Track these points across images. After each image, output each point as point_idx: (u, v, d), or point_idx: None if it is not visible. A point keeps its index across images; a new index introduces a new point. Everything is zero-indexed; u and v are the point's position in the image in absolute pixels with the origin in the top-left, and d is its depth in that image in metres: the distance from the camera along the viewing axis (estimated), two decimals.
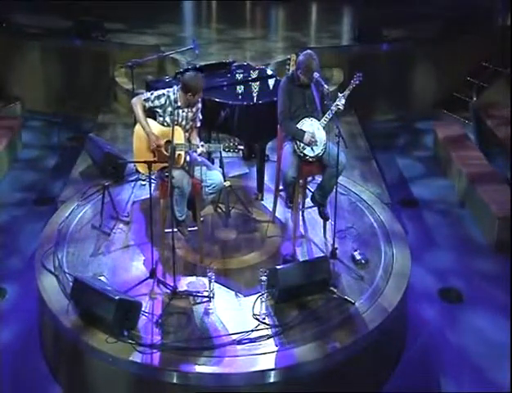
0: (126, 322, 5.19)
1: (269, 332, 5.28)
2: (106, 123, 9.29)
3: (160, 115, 5.99)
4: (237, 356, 5.05)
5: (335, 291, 5.66)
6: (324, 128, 6.08)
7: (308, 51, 6.22)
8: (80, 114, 10.13)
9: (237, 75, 7.34)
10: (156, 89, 6.77)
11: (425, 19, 11.31)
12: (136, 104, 5.96)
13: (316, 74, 6.02)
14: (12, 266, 6.84)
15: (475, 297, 6.57)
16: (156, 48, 9.67)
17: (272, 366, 5.01)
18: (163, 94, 5.95)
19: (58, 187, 7.93)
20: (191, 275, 5.94)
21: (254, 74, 7.39)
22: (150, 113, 6.00)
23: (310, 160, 6.15)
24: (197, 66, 7.78)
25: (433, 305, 6.44)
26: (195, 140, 6.05)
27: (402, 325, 6.04)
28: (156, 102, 5.94)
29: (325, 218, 6.39)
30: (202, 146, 5.92)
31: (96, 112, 9.71)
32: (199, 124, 6.16)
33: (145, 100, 5.95)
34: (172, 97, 5.94)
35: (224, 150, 5.85)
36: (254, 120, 6.73)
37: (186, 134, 6.01)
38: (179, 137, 5.86)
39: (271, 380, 5.02)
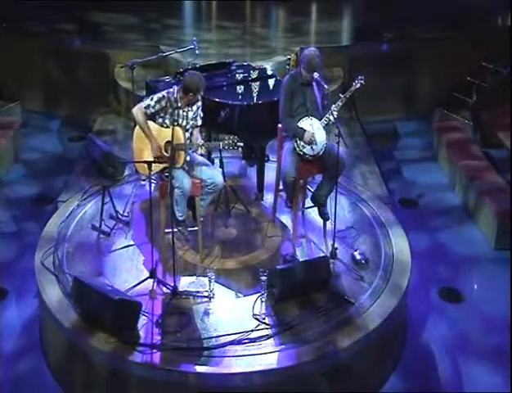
0: (126, 322, 5.20)
1: (269, 331, 5.28)
2: (106, 123, 9.29)
3: (161, 117, 5.99)
4: (237, 356, 5.05)
5: (335, 291, 5.66)
6: (324, 128, 6.09)
7: (312, 47, 6.24)
8: (80, 114, 10.12)
9: (237, 75, 7.35)
10: (156, 89, 6.80)
11: (425, 19, 11.29)
12: (138, 113, 5.94)
13: (316, 75, 6.03)
14: (12, 266, 6.83)
15: (475, 297, 6.57)
16: (156, 48, 9.66)
17: (272, 366, 5.01)
18: (164, 96, 5.95)
19: (58, 187, 7.93)
20: (191, 275, 5.95)
21: (254, 74, 7.39)
22: (151, 115, 6.00)
23: (309, 159, 6.16)
24: (197, 66, 7.79)
25: (433, 305, 6.44)
26: (197, 139, 6.05)
27: (402, 325, 6.04)
28: (157, 107, 5.93)
29: (325, 218, 6.39)
30: (202, 145, 5.93)
31: (96, 112, 9.71)
32: (200, 123, 6.17)
33: (145, 107, 5.93)
34: (172, 99, 5.93)
35: (224, 147, 5.85)
36: (254, 120, 6.73)
37: (187, 134, 6.01)
38: (179, 137, 5.86)
39: (271, 380, 5.02)
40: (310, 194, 6.58)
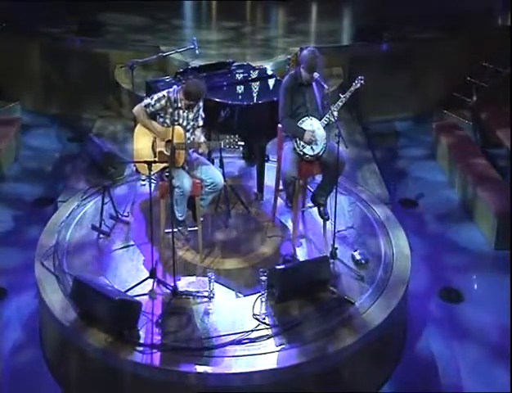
0: (126, 322, 5.20)
1: (269, 332, 5.28)
2: (106, 123, 9.28)
3: (161, 116, 6.00)
4: (237, 356, 5.05)
5: (335, 291, 5.67)
6: (324, 127, 6.09)
7: (312, 47, 6.24)
8: (80, 114, 10.13)
9: (237, 75, 7.35)
10: (156, 89, 6.81)
11: (425, 19, 11.30)
12: (139, 111, 5.97)
13: (316, 75, 6.03)
14: (12, 266, 6.83)
15: (475, 297, 6.57)
16: (156, 48, 9.67)
17: (272, 366, 5.01)
18: (164, 96, 5.96)
19: (58, 187, 7.93)
20: (191, 275, 5.95)
21: (254, 74, 7.39)
22: (152, 114, 6.01)
23: (309, 159, 6.16)
24: (197, 66, 7.79)
25: (434, 305, 6.44)
26: (200, 139, 6.05)
27: (402, 325, 6.04)
28: (157, 106, 5.95)
29: (325, 218, 6.39)
30: (203, 142, 5.93)
31: (97, 112, 9.71)
32: (201, 123, 6.17)
33: (146, 106, 5.95)
34: (172, 98, 5.94)
35: (225, 146, 5.86)
36: (254, 120, 6.73)
37: (188, 134, 6.02)
38: (180, 136, 5.87)
39: (271, 380, 5.02)
40: (310, 194, 6.58)
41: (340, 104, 6.05)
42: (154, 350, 5.07)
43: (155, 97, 5.99)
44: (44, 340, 5.88)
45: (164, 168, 5.91)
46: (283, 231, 6.58)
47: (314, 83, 6.15)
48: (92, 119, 9.60)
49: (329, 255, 6.01)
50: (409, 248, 6.30)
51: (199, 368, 4.96)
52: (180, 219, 6.13)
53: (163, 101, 5.95)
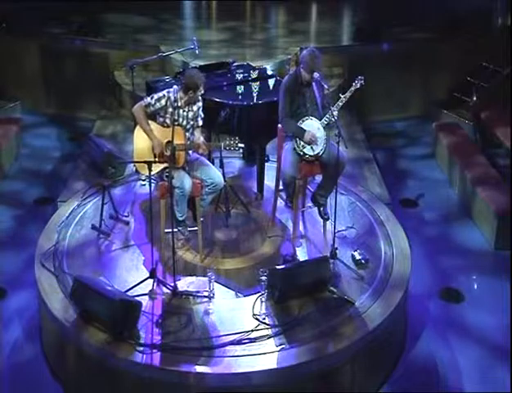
0: (126, 322, 5.20)
1: (269, 332, 5.28)
2: (106, 123, 9.28)
3: (161, 116, 6.01)
4: (237, 356, 5.05)
5: (335, 291, 5.67)
6: (324, 127, 6.09)
7: (312, 48, 6.24)
8: (80, 114, 10.13)
9: (237, 75, 7.35)
10: (156, 89, 6.82)
11: (425, 19, 11.30)
12: (138, 111, 5.98)
13: (316, 75, 6.03)
14: (12, 266, 6.83)
15: (475, 297, 6.57)
16: (156, 48, 9.67)
17: (272, 366, 5.01)
18: (164, 96, 5.96)
19: (58, 187, 7.93)
20: (191, 275, 5.95)
21: (254, 74, 7.39)
22: (152, 115, 6.01)
23: (309, 159, 6.16)
24: (197, 66, 7.79)
25: (434, 305, 6.44)
26: (199, 139, 6.06)
27: (402, 325, 6.04)
28: (157, 105, 5.95)
29: (325, 218, 6.39)
30: (204, 144, 5.94)
31: (96, 112, 9.71)
32: (201, 123, 6.18)
33: (146, 106, 5.96)
34: (172, 98, 5.95)
35: (225, 148, 5.86)
36: (254, 120, 6.74)
37: (187, 134, 6.02)
38: (180, 137, 5.87)
39: (271, 380, 5.02)
40: (310, 194, 6.58)
41: (340, 104, 6.06)
42: (155, 350, 5.07)
43: (155, 96, 5.99)
44: (44, 340, 5.88)
45: (165, 168, 5.91)
46: (283, 231, 6.58)
47: (314, 83, 6.15)
48: (91, 120, 9.60)
49: (329, 255, 6.01)
50: (409, 248, 6.30)
51: (199, 368, 4.96)
52: (180, 219, 6.14)
53: (163, 101, 5.96)
